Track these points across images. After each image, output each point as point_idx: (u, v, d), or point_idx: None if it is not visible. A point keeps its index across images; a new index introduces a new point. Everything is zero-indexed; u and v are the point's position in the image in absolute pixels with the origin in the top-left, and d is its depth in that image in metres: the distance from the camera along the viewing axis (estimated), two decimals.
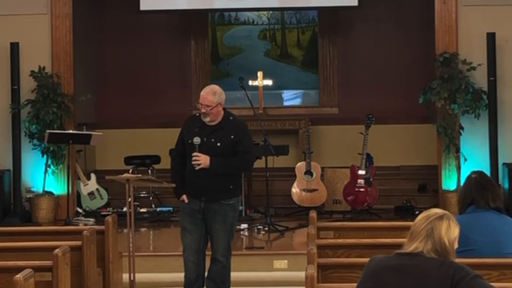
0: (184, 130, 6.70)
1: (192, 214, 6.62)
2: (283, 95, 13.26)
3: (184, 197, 6.63)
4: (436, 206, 9.24)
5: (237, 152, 6.56)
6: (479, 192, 5.10)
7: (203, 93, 6.54)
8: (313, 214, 6.29)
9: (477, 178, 5.17)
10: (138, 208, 10.42)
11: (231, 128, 6.57)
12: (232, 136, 6.54)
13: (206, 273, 6.73)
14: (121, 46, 12.77)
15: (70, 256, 5.35)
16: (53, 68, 10.52)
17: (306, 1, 11.79)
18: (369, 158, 10.58)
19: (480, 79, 10.14)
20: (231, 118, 6.63)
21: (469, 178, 5.23)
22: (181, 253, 6.76)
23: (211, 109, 6.48)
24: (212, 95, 6.49)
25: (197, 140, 6.50)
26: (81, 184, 10.82)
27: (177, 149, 6.79)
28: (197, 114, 6.66)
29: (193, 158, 6.49)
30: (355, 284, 3.85)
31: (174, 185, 6.74)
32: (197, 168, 6.49)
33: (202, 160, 6.48)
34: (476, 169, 5.46)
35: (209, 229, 6.62)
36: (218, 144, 6.52)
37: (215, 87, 6.61)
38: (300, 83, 13.13)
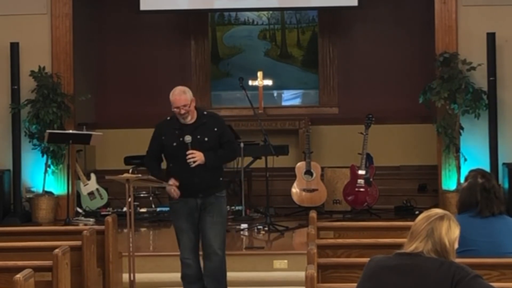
0: (162, 136, 6.70)
1: (189, 213, 6.64)
2: (283, 95, 13.25)
3: (173, 180, 6.56)
4: (436, 206, 9.24)
5: (224, 143, 6.68)
6: (483, 200, 5.00)
7: (175, 96, 6.61)
8: (313, 214, 6.29)
9: (484, 183, 5.03)
10: (138, 208, 10.42)
11: (212, 122, 6.68)
12: (215, 129, 6.65)
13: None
14: (121, 46, 12.77)
15: (70, 256, 5.34)
16: (53, 68, 10.52)
17: (306, 1, 11.79)
18: (369, 158, 10.57)
19: (480, 79, 10.14)
20: (205, 113, 6.77)
21: (474, 181, 5.07)
22: None
23: (189, 107, 6.57)
24: (184, 94, 6.62)
25: (188, 138, 6.55)
26: (81, 184, 10.81)
27: (152, 155, 6.79)
28: (168, 118, 6.75)
29: (189, 156, 6.52)
30: (355, 284, 3.84)
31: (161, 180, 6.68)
32: (193, 165, 6.51)
33: (198, 156, 6.52)
34: (476, 168, 5.41)
35: (204, 224, 6.62)
36: (206, 139, 6.59)
37: (182, 87, 6.74)
38: (300, 83, 13.12)
